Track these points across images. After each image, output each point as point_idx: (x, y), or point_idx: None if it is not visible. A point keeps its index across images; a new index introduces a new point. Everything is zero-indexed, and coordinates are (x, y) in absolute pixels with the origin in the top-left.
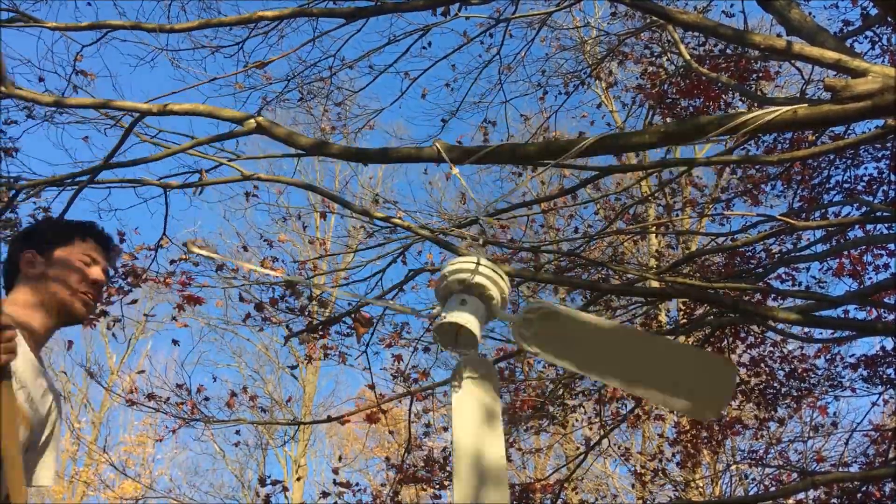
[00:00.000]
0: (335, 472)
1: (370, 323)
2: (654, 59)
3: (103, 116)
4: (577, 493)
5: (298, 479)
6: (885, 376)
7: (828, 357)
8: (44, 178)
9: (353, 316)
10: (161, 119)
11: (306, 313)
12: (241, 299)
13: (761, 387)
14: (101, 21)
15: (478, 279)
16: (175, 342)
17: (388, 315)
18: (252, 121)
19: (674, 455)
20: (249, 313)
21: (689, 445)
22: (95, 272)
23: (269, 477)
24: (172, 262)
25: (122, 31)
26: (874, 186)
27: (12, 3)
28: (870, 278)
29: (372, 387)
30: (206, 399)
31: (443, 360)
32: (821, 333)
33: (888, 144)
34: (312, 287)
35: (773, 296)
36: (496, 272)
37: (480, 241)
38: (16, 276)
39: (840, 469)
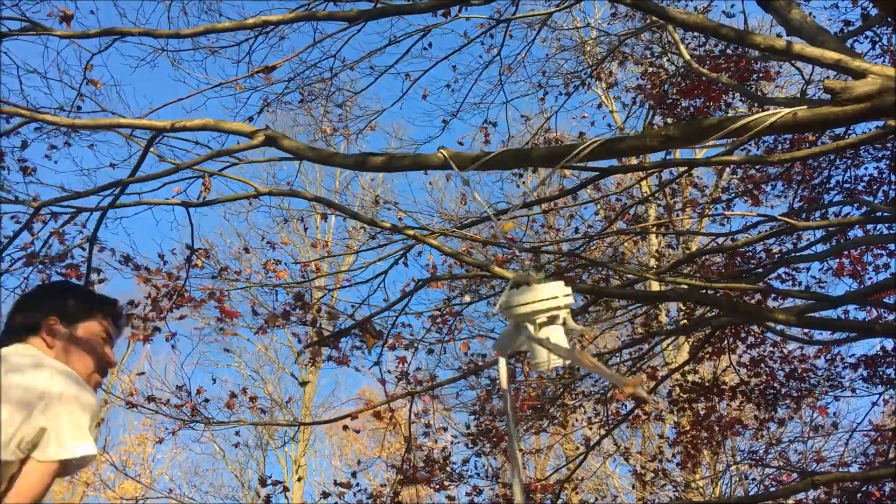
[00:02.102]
0: (353, 475)
1: (380, 335)
2: (654, 59)
3: (125, 134)
4: (577, 494)
5: (299, 480)
6: (885, 376)
7: (828, 357)
8: (67, 194)
9: (363, 328)
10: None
11: (316, 324)
12: (255, 313)
13: (761, 387)
14: (110, 28)
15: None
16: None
17: (389, 317)
18: (261, 134)
19: (674, 455)
20: (262, 327)
21: (689, 446)
22: (110, 354)
23: (269, 477)
24: (213, 277)
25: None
26: (874, 186)
27: (21, 12)
28: (870, 278)
29: (387, 395)
30: (206, 400)
31: (444, 361)
32: (821, 334)
33: (888, 144)
34: (312, 292)
35: (773, 296)
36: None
37: (531, 267)
38: (30, 333)
39: (840, 469)
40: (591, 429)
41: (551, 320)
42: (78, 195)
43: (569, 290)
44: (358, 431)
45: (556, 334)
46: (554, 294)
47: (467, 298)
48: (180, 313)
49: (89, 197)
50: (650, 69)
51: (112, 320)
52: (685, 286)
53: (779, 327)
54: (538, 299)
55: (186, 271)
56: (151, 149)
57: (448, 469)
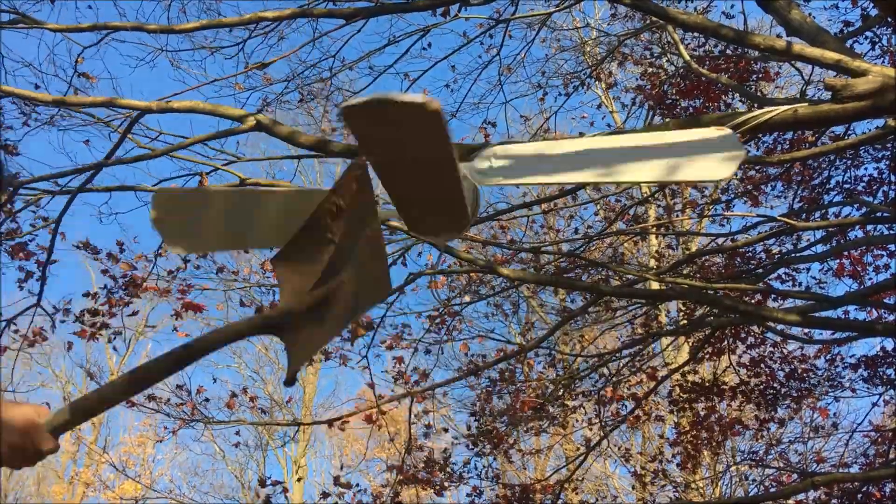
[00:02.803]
0: (336, 479)
1: (370, 326)
2: (654, 59)
3: (104, 120)
4: (577, 494)
5: (299, 480)
6: (885, 377)
7: (828, 357)
8: (43, 175)
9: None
10: (161, 121)
11: None
12: (242, 304)
13: (761, 387)
14: (103, 22)
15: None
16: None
17: (389, 317)
18: (252, 118)
19: (674, 456)
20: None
21: (689, 446)
22: None
23: (269, 478)
24: (170, 272)
25: (122, 33)
26: (874, 187)
27: (12, 5)
28: (870, 279)
29: (371, 385)
30: (207, 400)
31: (443, 361)
32: (821, 334)
33: (888, 145)
34: None
35: (773, 296)
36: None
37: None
38: None
39: (840, 470)
40: (590, 429)
41: None
42: (55, 175)
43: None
44: (343, 428)
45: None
46: None
47: (467, 298)
48: (133, 309)
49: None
50: (650, 69)
51: None
52: (685, 286)
53: (779, 327)
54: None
55: (154, 261)
56: (129, 135)
57: (448, 470)
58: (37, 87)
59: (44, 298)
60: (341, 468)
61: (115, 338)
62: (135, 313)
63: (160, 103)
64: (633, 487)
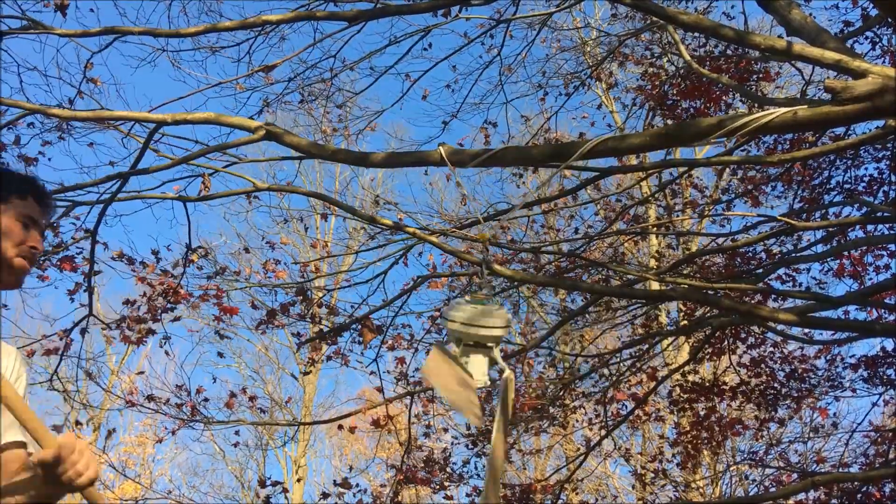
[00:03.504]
0: (341, 481)
1: (379, 330)
2: (654, 60)
3: (113, 125)
4: (577, 494)
5: (299, 480)
6: (885, 377)
7: (828, 358)
8: (71, 185)
9: (361, 323)
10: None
11: (316, 319)
12: (254, 307)
13: (761, 387)
14: (111, 27)
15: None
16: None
17: (390, 317)
18: (263, 129)
19: (674, 456)
20: (262, 321)
21: (689, 446)
22: (35, 238)
23: (269, 478)
24: (209, 277)
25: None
26: (874, 187)
27: (21, 10)
28: (870, 279)
29: (380, 389)
30: (206, 400)
31: None
32: (821, 334)
33: (888, 145)
34: (313, 290)
35: (773, 296)
36: (499, 323)
37: (486, 274)
38: None
39: (840, 470)
40: (591, 429)
41: (479, 345)
42: (79, 186)
43: (509, 322)
44: (353, 430)
45: (478, 360)
46: (496, 324)
47: (467, 298)
48: (175, 314)
49: (87, 192)
50: (650, 70)
51: (35, 201)
52: (685, 286)
53: (779, 327)
54: (479, 324)
55: (183, 268)
56: (150, 145)
57: (448, 470)
58: (70, 103)
59: (45, 304)
60: (350, 470)
61: (164, 343)
62: (177, 319)
63: (175, 115)
64: (633, 487)
